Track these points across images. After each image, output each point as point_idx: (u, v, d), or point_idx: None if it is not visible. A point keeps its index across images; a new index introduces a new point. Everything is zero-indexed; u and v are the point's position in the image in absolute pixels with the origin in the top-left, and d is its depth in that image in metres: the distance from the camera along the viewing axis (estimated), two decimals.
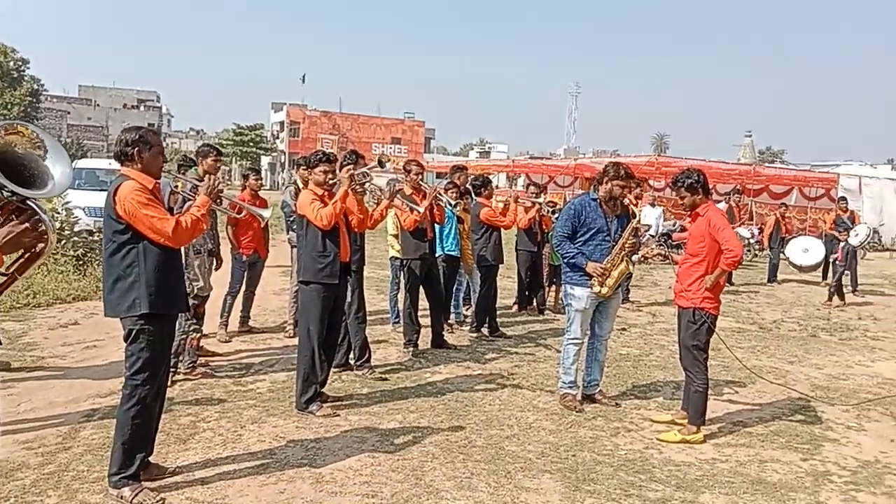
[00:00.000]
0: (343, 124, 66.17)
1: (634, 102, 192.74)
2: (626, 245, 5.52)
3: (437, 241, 7.41)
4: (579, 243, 5.56)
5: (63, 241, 10.61)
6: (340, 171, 5.83)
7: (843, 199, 14.02)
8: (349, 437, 4.79)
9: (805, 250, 13.95)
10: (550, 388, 6.07)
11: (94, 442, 4.52)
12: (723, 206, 14.87)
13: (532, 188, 10.16)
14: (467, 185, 8.35)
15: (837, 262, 12.27)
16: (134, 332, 3.79)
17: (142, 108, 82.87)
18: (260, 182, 8.04)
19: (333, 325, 5.38)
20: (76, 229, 11.32)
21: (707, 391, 5.15)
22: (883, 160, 47.14)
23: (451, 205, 7.10)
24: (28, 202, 3.24)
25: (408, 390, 5.90)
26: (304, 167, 7.24)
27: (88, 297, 9.24)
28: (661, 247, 9.30)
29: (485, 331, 8.12)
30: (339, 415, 5.17)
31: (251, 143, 63.89)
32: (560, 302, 9.83)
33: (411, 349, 6.98)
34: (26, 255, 3.37)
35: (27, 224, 3.14)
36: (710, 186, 5.63)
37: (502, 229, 8.46)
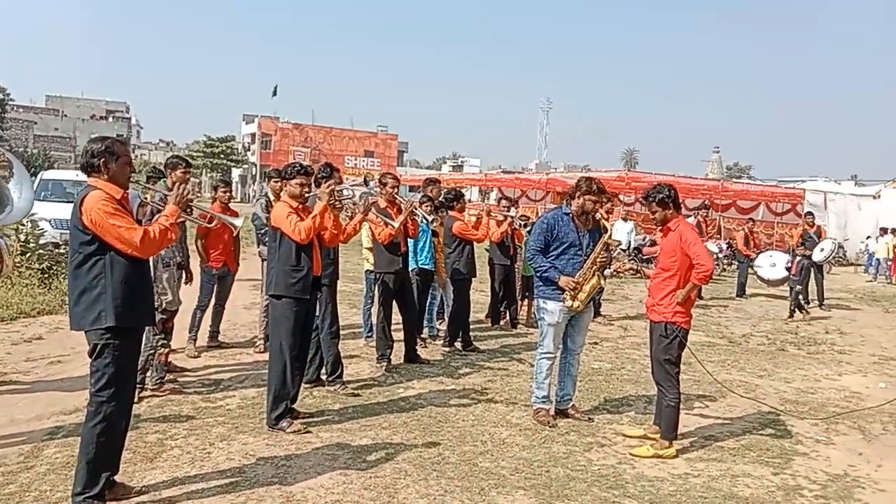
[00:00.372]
0: (315, 137, 65.92)
1: (605, 118, 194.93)
2: (598, 259, 5.55)
3: (411, 254, 7.39)
4: (552, 257, 5.58)
5: (28, 254, 10.39)
6: (316, 184, 5.80)
7: (810, 214, 14.25)
8: (320, 455, 4.72)
9: (773, 265, 14.17)
10: (524, 402, 6.05)
11: (58, 461, 4.40)
12: (692, 220, 15.06)
13: (504, 202, 10.20)
14: (441, 199, 8.35)
15: (792, 276, 12.34)
16: (99, 346, 3.70)
17: (110, 119, 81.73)
18: (229, 194, 7.96)
19: (305, 339, 5.32)
20: (42, 242, 11.09)
21: (679, 405, 5.17)
22: (846, 176, 48.12)
23: (427, 220, 7.09)
24: None
25: (380, 406, 5.84)
26: (277, 179, 7.20)
27: (53, 312, 9.05)
28: (633, 261, 9.34)
29: (458, 345, 8.09)
30: (310, 431, 5.09)
31: (222, 155, 63.35)
32: (533, 316, 9.85)
33: (384, 364, 6.93)
34: None
35: None
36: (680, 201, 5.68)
37: (475, 243, 8.46)
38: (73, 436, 4.71)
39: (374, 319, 7.77)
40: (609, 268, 6.44)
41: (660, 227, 5.48)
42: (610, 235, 5.78)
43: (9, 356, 6.91)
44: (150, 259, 4.15)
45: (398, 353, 7.23)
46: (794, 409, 6.43)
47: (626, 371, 7.61)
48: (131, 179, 3.97)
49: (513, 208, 9.86)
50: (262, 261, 7.61)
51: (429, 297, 8.21)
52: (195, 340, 7.37)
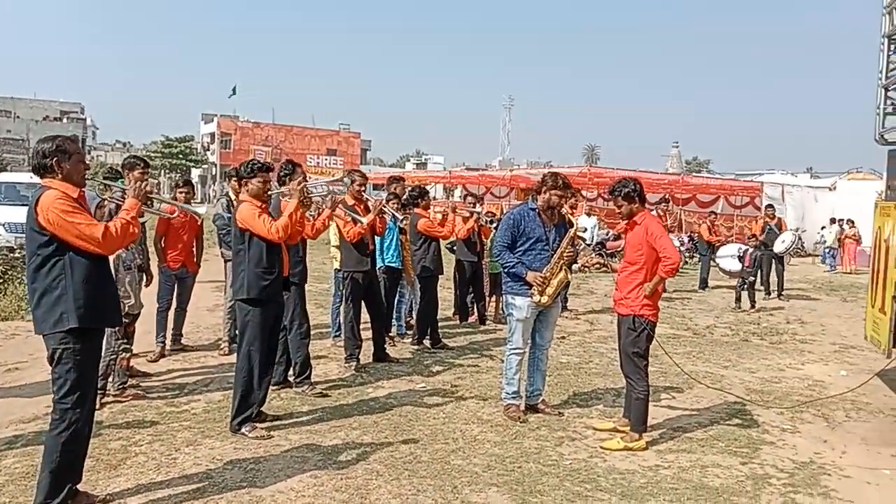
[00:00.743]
0: (276, 135, 65.22)
1: (565, 115, 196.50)
2: (565, 254, 5.56)
3: (378, 252, 7.32)
4: (519, 253, 5.57)
5: None
6: (280, 182, 5.70)
7: (771, 206, 14.51)
8: (290, 457, 4.64)
9: (734, 256, 14.39)
10: (494, 398, 6.03)
11: (18, 471, 4.25)
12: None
13: (469, 198, 10.19)
14: (405, 197, 8.30)
15: (745, 268, 12.48)
16: (59, 352, 3.58)
17: (65, 120, 79.66)
18: (188, 195, 7.75)
19: (273, 342, 5.22)
20: None
21: (648, 398, 5.21)
22: (802, 169, 49.23)
23: (396, 218, 7.02)
24: None
25: (350, 406, 5.77)
26: (237, 178, 7.05)
27: (10, 318, 8.75)
28: (600, 255, 9.40)
29: (427, 342, 8.05)
30: (272, 436, 4.98)
31: (181, 156, 62.37)
32: (500, 312, 9.85)
33: (353, 364, 6.85)
34: None
35: None
36: None
37: (441, 240, 8.43)
38: (34, 444, 4.57)
39: (341, 319, 7.69)
40: (577, 262, 6.46)
41: (626, 221, 5.51)
42: (576, 230, 5.78)
43: None
44: (111, 261, 4.03)
45: (367, 352, 7.16)
46: (759, 399, 6.52)
47: (593, 365, 7.65)
48: (87, 178, 3.85)
49: (478, 205, 9.85)
50: (225, 262, 7.49)
51: (397, 296, 8.15)
52: (164, 343, 7.21)
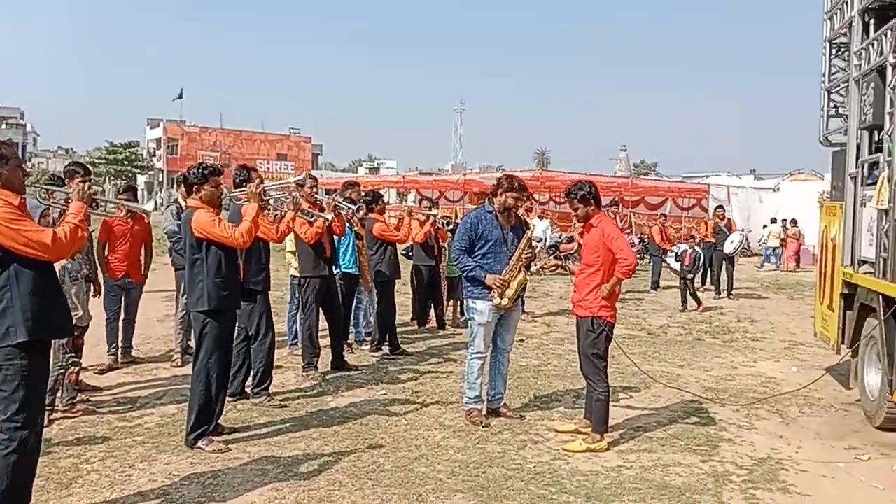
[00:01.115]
0: (225, 140, 64.24)
1: (516, 119, 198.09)
2: (524, 256, 5.57)
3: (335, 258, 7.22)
4: (478, 256, 5.56)
5: None
6: (236, 187, 5.58)
7: (721, 207, 14.83)
8: (249, 471, 4.52)
9: (675, 256, 14.64)
10: (456, 404, 6.00)
11: None
12: None
13: (425, 202, 10.16)
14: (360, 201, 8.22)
15: (684, 267, 12.64)
16: (5, 368, 3.40)
17: (3, 126, 77.19)
18: (127, 201, 7.46)
19: (230, 353, 5.09)
20: None
21: (609, 398, 5.24)
22: (746, 170, 50.53)
23: (352, 210, 6.89)
24: None
25: (310, 416, 5.67)
26: (186, 184, 6.86)
27: None
28: (558, 258, 9.46)
29: (385, 349, 7.98)
30: (230, 449, 4.84)
31: (126, 162, 60.93)
32: (458, 316, 9.84)
33: (311, 372, 6.74)
34: None
35: None
36: None
37: (398, 244, 8.37)
38: None
39: (298, 326, 7.57)
40: (535, 264, 6.48)
41: (581, 224, 5.55)
42: (533, 231, 5.81)
43: None
44: (57, 272, 3.86)
45: (324, 360, 7.06)
46: (715, 397, 6.62)
47: (552, 367, 7.68)
48: (28, 185, 3.69)
49: (434, 208, 9.83)
50: (176, 270, 7.30)
51: (354, 302, 8.06)
52: (116, 355, 6.98)
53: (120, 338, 7.21)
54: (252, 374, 5.94)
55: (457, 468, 4.66)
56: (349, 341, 7.96)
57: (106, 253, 7.04)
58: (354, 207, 6.98)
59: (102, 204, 4.72)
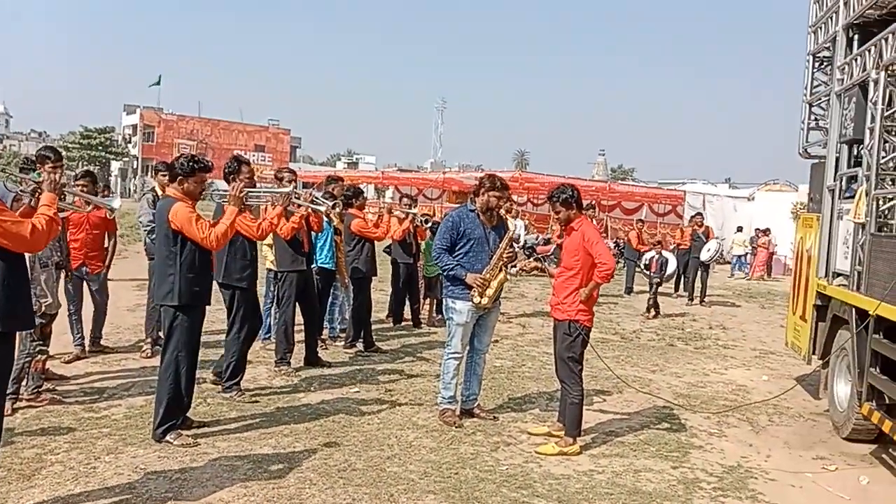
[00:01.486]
0: (202, 129, 63.53)
1: (496, 120, 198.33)
2: (504, 255, 5.55)
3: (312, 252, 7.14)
4: (459, 255, 5.53)
5: None
6: (225, 180, 5.50)
7: (699, 214, 14.95)
8: (218, 466, 4.44)
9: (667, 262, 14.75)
10: (429, 403, 5.96)
11: None
12: None
13: (405, 200, 10.10)
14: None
15: (651, 273, 12.64)
16: None
17: None
18: (84, 188, 7.10)
19: (198, 347, 4.99)
20: None
21: (582, 402, 5.24)
22: (721, 179, 51.19)
23: (330, 203, 6.81)
24: None
25: (281, 412, 5.59)
26: (165, 172, 6.74)
27: None
28: (538, 260, 9.47)
29: (360, 345, 7.91)
30: (199, 443, 4.76)
31: (100, 147, 59.97)
32: (434, 315, 9.80)
33: (284, 367, 6.66)
34: None
35: None
36: None
37: (376, 241, 8.31)
38: None
39: (272, 321, 7.49)
40: (515, 265, 6.47)
41: (563, 227, 5.56)
42: (515, 231, 5.79)
43: None
44: (27, 259, 3.76)
45: (297, 355, 6.98)
46: (686, 403, 6.66)
47: (526, 368, 7.68)
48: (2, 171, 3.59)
49: (413, 206, 9.78)
50: (149, 259, 7.16)
51: (329, 297, 7.99)
52: (82, 346, 6.85)
53: (89, 326, 7.06)
54: (224, 367, 5.85)
55: (429, 469, 4.62)
56: (323, 337, 7.89)
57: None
58: (331, 203, 6.89)
59: (71, 196, 4.60)
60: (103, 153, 60.31)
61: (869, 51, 5.63)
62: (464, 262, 5.50)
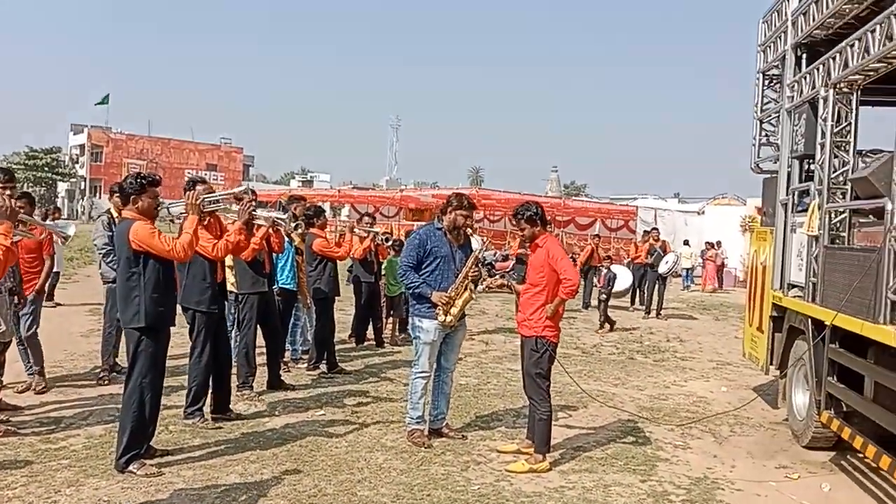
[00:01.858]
0: (153, 148, 62.39)
1: (450, 137, 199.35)
2: (470, 274, 5.57)
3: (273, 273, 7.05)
4: (425, 273, 5.53)
5: None
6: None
7: (656, 229, 15.27)
8: (185, 496, 4.32)
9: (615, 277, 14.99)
10: (397, 424, 5.92)
11: None
12: None
13: (367, 218, 10.08)
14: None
15: (598, 287, 12.73)
16: None
17: None
18: (21, 210, 6.77)
19: (164, 370, 4.88)
20: None
21: (551, 418, 5.26)
22: (671, 194, 52.40)
23: (292, 224, 6.73)
24: None
25: (246, 438, 5.48)
26: (121, 194, 6.58)
27: None
28: (504, 277, 9.52)
29: (323, 367, 7.82)
30: (163, 473, 4.63)
31: (46, 168, 58.42)
32: (397, 334, 9.76)
33: (246, 392, 6.54)
34: None
35: None
36: None
37: (338, 261, 8.24)
38: None
39: (232, 343, 7.34)
40: (482, 284, 6.48)
41: (528, 244, 5.61)
42: (481, 251, 5.82)
43: None
44: None
45: (260, 379, 6.86)
46: (650, 416, 6.74)
47: (492, 385, 7.69)
48: None
49: (374, 225, 9.76)
50: (104, 283, 6.98)
51: (292, 318, 7.88)
52: (41, 372, 6.57)
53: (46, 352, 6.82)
54: (186, 392, 5.72)
55: (401, 491, 4.58)
56: (285, 359, 7.77)
57: None
58: (294, 224, 6.81)
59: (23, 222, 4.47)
60: (50, 174, 58.82)
61: (818, 69, 5.83)
62: (430, 280, 5.49)
